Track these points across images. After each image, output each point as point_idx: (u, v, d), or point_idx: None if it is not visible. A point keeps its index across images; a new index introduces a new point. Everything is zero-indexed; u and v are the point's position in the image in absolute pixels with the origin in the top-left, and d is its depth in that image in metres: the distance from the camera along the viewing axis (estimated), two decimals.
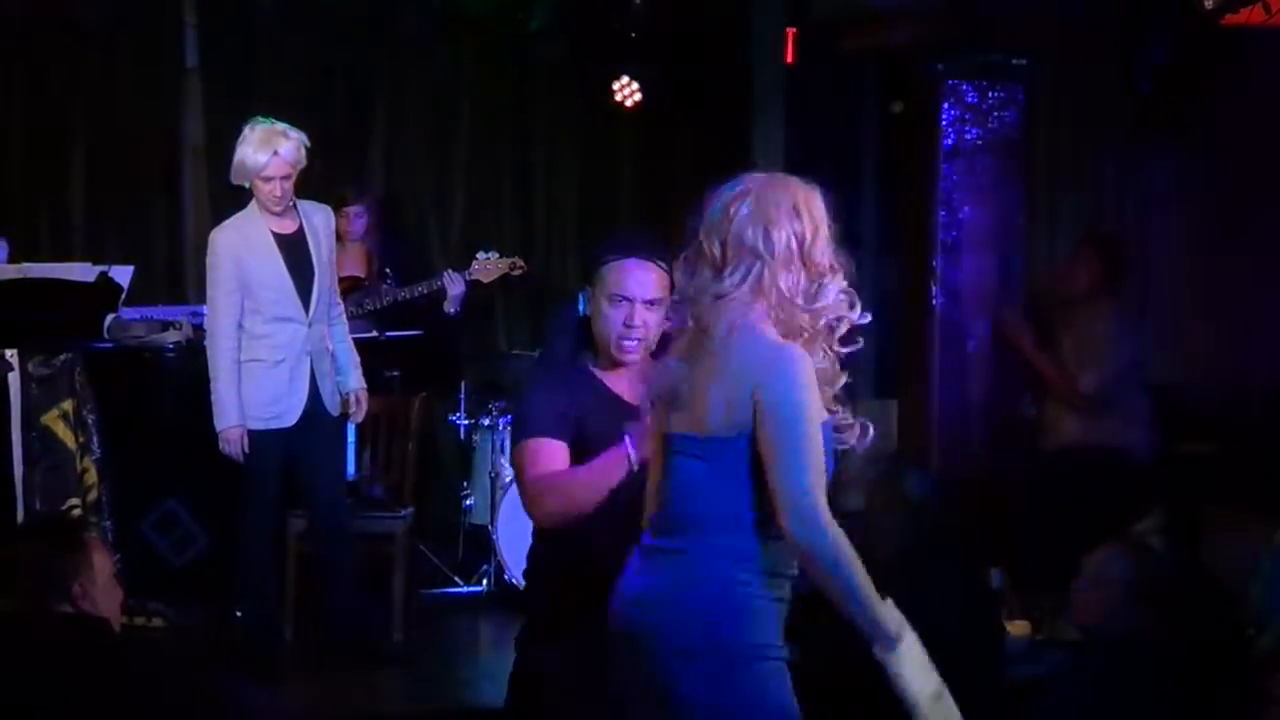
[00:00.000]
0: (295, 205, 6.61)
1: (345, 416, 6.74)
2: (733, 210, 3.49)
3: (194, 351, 7.24)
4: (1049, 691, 4.93)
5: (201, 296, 7.06)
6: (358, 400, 6.74)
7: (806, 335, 3.48)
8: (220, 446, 6.48)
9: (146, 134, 8.78)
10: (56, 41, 8.53)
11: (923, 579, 4.42)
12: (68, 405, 6.84)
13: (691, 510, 3.51)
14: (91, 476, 6.88)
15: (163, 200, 8.82)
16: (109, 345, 7.20)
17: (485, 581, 8.01)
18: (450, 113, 9.24)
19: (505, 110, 9.25)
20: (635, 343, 4.19)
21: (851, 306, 3.54)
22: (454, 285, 7.93)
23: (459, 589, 8.14)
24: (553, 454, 4.12)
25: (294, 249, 6.56)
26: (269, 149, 6.44)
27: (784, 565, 3.50)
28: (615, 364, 4.24)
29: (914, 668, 3.41)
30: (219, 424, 6.47)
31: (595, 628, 3.68)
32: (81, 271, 7.16)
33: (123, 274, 7.25)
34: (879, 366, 9.22)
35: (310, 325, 6.55)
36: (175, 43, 8.68)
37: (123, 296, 7.24)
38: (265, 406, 6.50)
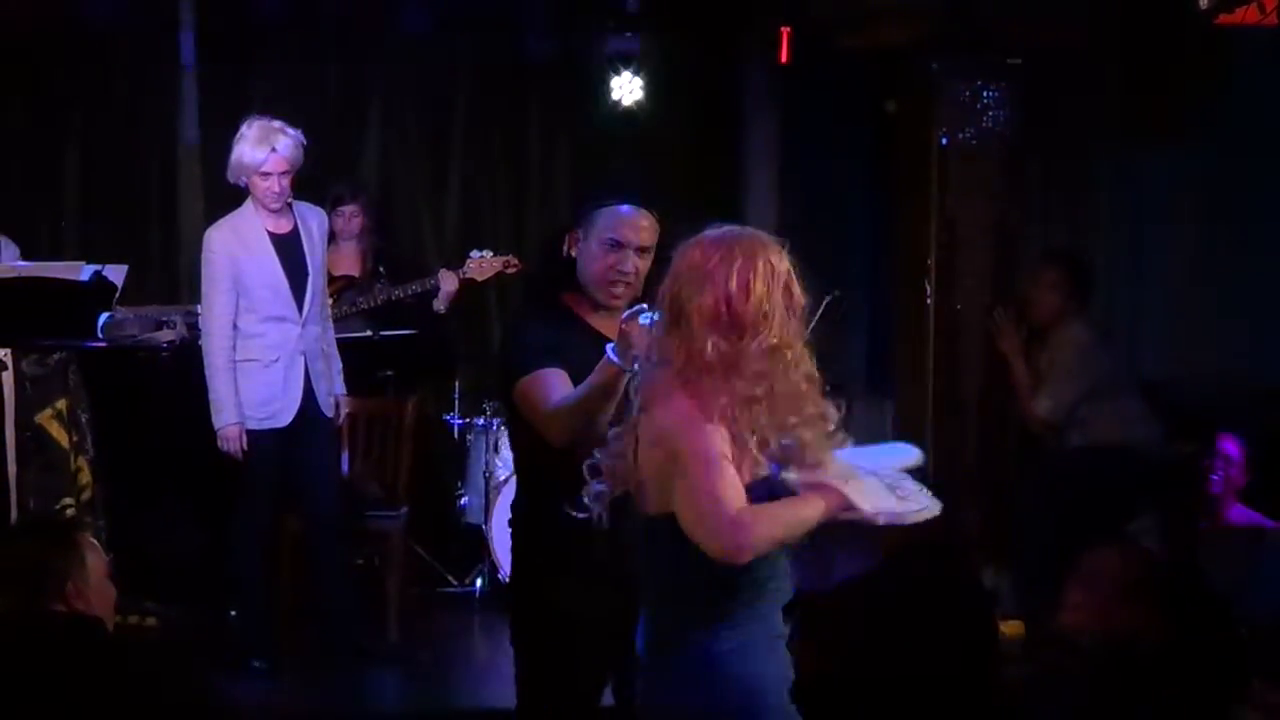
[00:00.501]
0: (290, 205, 6.60)
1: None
2: (676, 269, 3.48)
3: (188, 351, 7.23)
4: (1042, 691, 4.92)
5: (196, 296, 7.06)
6: (337, 405, 6.74)
7: (725, 404, 3.40)
8: (219, 445, 6.47)
9: (142, 133, 8.79)
10: (53, 41, 8.53)
11: (914, 580, 4.42)
12: (61, 404, 6.84)
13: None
14: (85, 476, 6.87)
15: (158, 200, 8.82)
16: (103, 344, 7.19)
17: (479, 581, 8.00)
18: (445, 111, 9.24)
19: (499, 109, 9.25)
20: (622, 289, 4.24)
21: (762, 378, 3.40)
22: (447, 282, 7.92)
23: (453, 588, 8.14)
24: (560, 383, 4.16)
25: (288, 248, 6.56)
26: (267, 145, 6.44)
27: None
28: (598, 306, 4.29)
29: (862, 493, 3.42)
30: (217, 422, 6.47)
31: (582, 562, 3.97)
32: (76, 270, 7.16)
33: (117, 273, 7.26)
34: (874, 365, 9.22)
35: (304, 325, 6.55)
36: (171, 43, 8.67)
37: (117, 295, 7.24)
38: (260, 406, 6.49)
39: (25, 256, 7.51)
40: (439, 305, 7.97)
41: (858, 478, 3.45)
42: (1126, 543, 5.34)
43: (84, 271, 7.14)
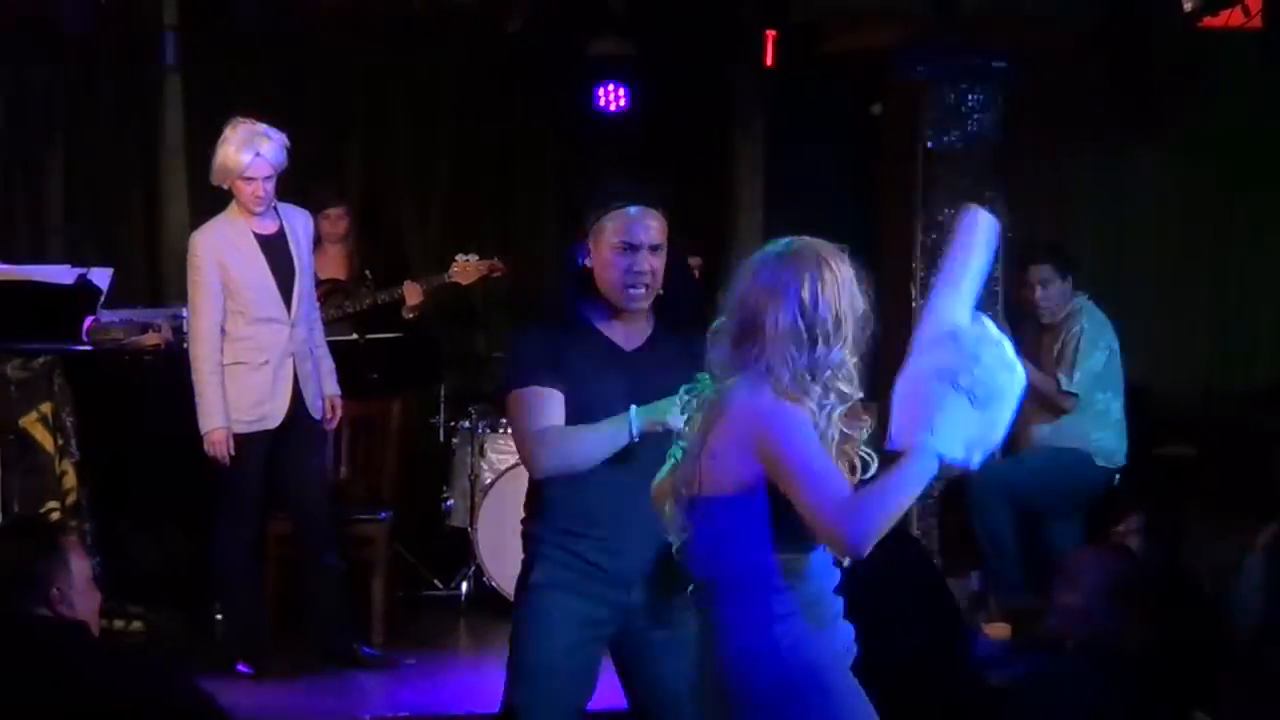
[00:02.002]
0: (276, 207, 6.59)
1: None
2: (745, 283, 3.49)
3: (173, 354, 7.23)
4: (1028, 693, 4.94)
5: (181, 299, 7.04)
6: (333, 406, 6.73)
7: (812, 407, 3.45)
8: (205, 449, 6.46)
9: (125, 135, 8.76)
10: (35, 41, 8.50)
11: (892, 590, 4.42)
12: (46, 408, 6.83)
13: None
14: (70, 479, 6.86)
15: (142, 202, 8.80)
16: (88, 348, 7.18)
17: (465, 584, 7.99)
18: (431, 114, 9.23)
19: (486, 111, 9.24)
20: (642, 290, 4.21)
21: (850, 382, 3.47)
22: (411, 295, 7.96)
23: (438, 591, 8.13)
24: (549, 403, 4.15)
25: (275, 250, 6.55)
26: (251, 149, 6.41)
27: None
28: (618, 312, 4.26)
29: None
30: (204, 426, 6.45)
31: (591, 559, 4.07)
32: (60, 274, 7.16)
33: (102, 276, 7.25)
34: (860, 369, 9.22)
35: (293, 326, 6.54)
36: (154, 43, 8.65)
37: (102, 299, 7.23)
38: (250, 409, 6.48)
39: (7, 260, 7.49)
40: (406, 314, 8.00)
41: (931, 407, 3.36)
42: (1111, 545, 5.34)
43: (69, 275, 7.13)
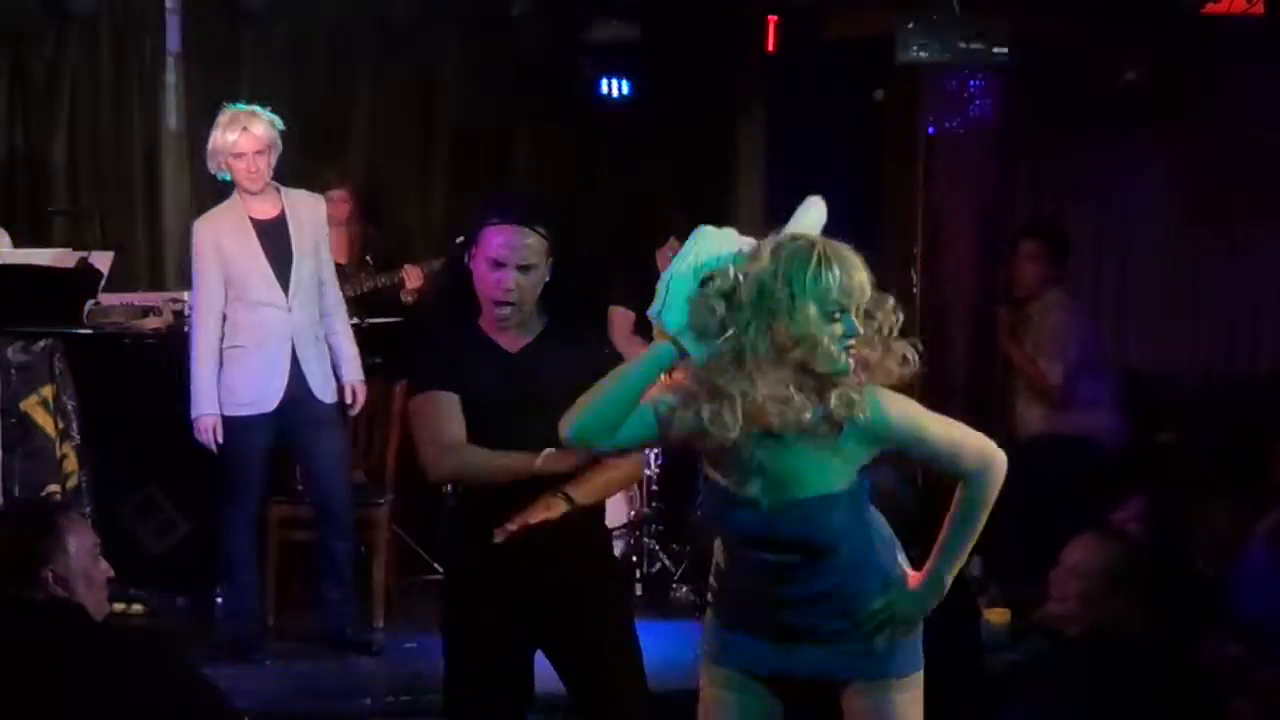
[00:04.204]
0: (279, 191, 6.59)
1: (343, 406, 6.72)
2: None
3: (174, 337, 7.23)
4: (1028, 679, 4.94)
5: (181, 283, 7.05)
6: (354, 393, 6.72)
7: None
8: (194, 434, 6.48)
9: (127, 120, 8.75)
10: (37, 26, 8.50)
11: None
12: (47, 391, 6.83)
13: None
14: (71, 463, 6.87)
15: (143, 186, 8.79)
16: (88, 331, 7.18)
17: None
18: (432, 99, 9.22)
19: (488, 97, 9.23)
20: (510, 308, 4.30)
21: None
22: (411, 278, 7.97)
23: (439, 575, 8.12)
24: (446, 408, 4.30)
25: (273, 233, 6.55)
26: (237, 126, 6.46)
27: None
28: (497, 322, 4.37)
29: None
30: (193, 412, 6.48)
31: (509, 568, 4.21)
32: (61, 257, 7.16)
33: (102, 260, 7.25)
34: None
35: (291, 309, 6.54)
36: (156, 28, 8.65)
37: (102, 282, 7.23)
38: (245, 391, 6.49)
39: (10, 244, 7.49)
40: (406, 297, 8.02)
41: None
42: (1113, 532, 5.34)
43: (70, 258, 7.13)
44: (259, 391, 6.49)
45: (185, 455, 6.81)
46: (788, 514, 3.55)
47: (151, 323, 7.37)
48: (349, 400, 6.72)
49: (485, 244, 4.29)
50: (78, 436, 6.90)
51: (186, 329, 7.30)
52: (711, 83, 9.17)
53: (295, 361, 6.54)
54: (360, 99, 9.14)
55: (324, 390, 6.59)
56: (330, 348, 6.67)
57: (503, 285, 4.27)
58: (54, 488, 6.77)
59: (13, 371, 6.81)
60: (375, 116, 9.17)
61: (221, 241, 6.49)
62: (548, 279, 4.34)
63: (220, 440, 6.47)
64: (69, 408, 6.89)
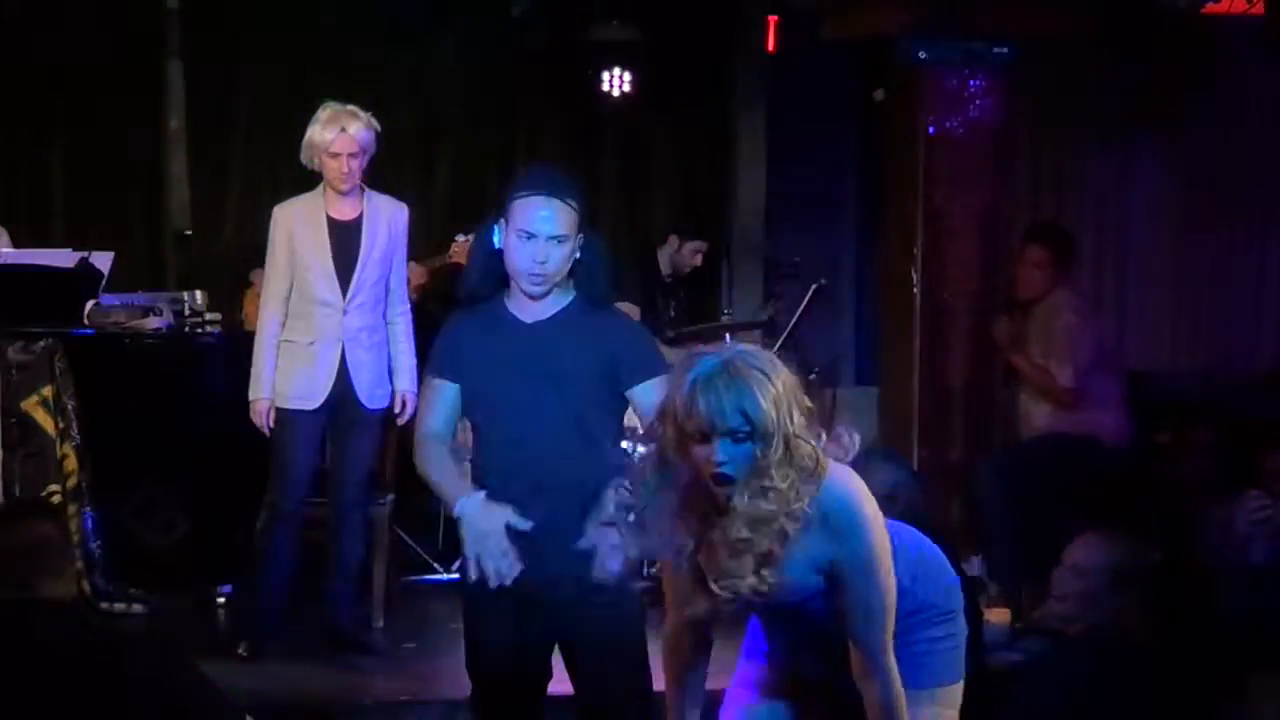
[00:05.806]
0: (364, 193, 6.57)
1: (389, 414, 6.69)
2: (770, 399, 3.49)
3: (175, 337, 7.22)
4: (1028, 679, 4.94)
5: (180, 284, 7.04)
6: (404, 402, 6.67)
7: None
8: (250, 416, 6.47)
9: (127, 119, 8.76)
10: (37, 26, 8.50)
11: None
12: (48, 391, 6.83)
13: None
14: (71, 463, 6.86)
15: (144, 186, 8.80)
16: (89, 331, 7.18)
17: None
18: (434, 96, 9.23)
19: (489, 95, 9.24)
20: (541, 278, 4.30)
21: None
22: (414, 275, 7.95)
23: (438, 576, 8.13)
24: (433, 397, 4.43)
25: (345, 234, 6.50)
26: (336, 125, 6.41)
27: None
28: (526, 295, 4.37)
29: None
30: (250, 394, 6.46)
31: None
32: (62, 257, 7.16)
33: (103, 260, 7.25)
34: (861, 354, 9.24)
35: (347, 312, 6.50)
36: (156, 27, 8.65)
37: (103, 282, 7.23)
38: (292, 386, 6.46)
39: (11, 244, 7.49)
40: (410, 294, 8.01)
41: None
42: (1115, 532, 5.34)
43: (70, 258, 7.13)
44: (305, 388, 6.46)
45: (186, 455, 6.80)
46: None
47: (152, 322, 7.37)
48: (398, 408, 6.69)
49: (516, 216, 4.28)
50: (78, 436, 6.90)
51: (186, 329, 7.31)
52: (712, 82, 9.17)
53: (344, 364, 6.50)
54: (360, 99, 9.13)
55: (370, 396, 6.53)
56: (390, 355, 6.65)
57: (535, 257, 4.26)
58: (54, 488, 6.77)
59: (13, 371, 6.81)
60: (375, 114, 9.15)
61: (294, 231, 6.46)
62: (578, 255, 4.33)
63: (271, 426, 6.46)
64: (69, 408, 6.88)
